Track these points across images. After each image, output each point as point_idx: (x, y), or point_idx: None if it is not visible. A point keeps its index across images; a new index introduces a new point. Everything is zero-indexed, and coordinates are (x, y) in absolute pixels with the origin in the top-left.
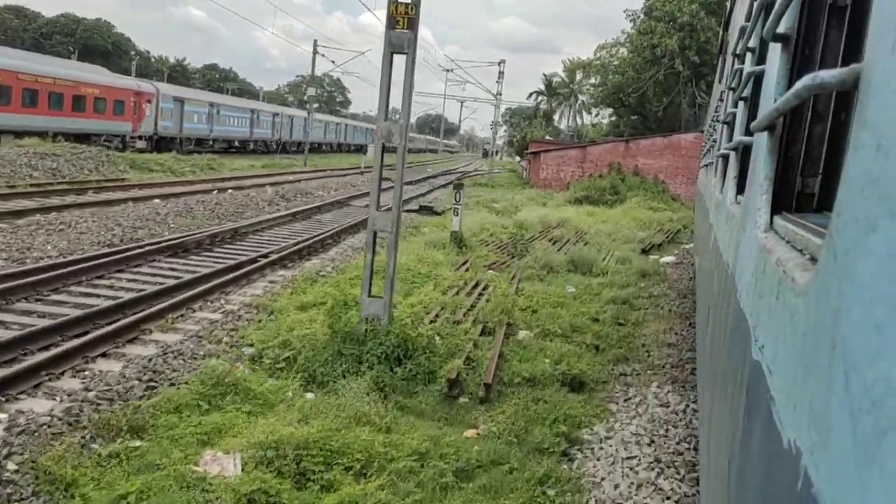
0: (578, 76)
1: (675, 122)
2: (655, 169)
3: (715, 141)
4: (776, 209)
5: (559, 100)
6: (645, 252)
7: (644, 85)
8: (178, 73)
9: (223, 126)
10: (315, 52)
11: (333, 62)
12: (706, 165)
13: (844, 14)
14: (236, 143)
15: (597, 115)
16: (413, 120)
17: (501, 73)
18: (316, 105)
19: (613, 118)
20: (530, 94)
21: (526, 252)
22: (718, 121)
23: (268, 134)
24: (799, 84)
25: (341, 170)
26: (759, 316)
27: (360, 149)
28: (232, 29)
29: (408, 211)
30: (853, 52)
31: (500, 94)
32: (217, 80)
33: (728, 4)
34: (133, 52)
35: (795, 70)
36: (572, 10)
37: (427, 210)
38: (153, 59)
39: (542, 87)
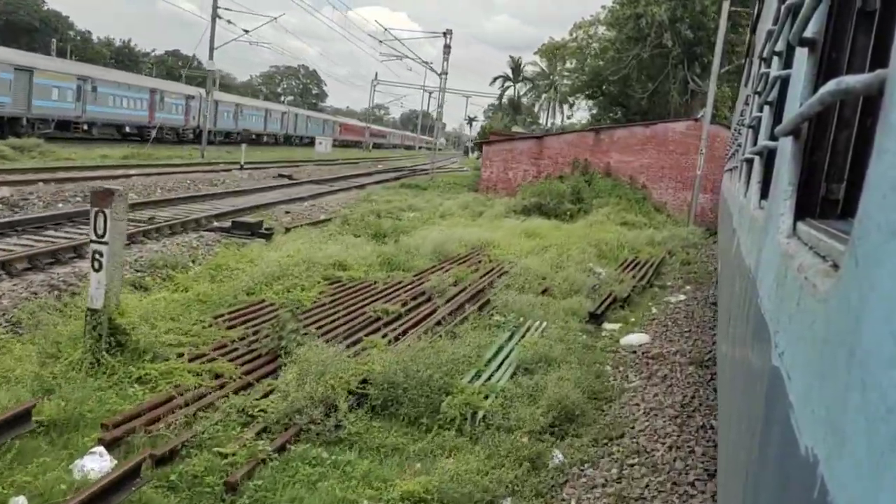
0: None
1: (662, 114)
2: (634, 168)
3: (740, 145)
4: (800, 215)
5: (537, 92)
6: (595, 318)
7: (626, 66)
8: (123, 57)
9: (103, 107)
10: (215, 16)
11: (246, 31)
12: (730, 170)
13: (873, 19)
14: (127, 129)
15: (573, 106)
16: (396, 116)
17: (448, 48)
18: (290, 97)
19: (594, 111)
20: (494, 80)
21: (292, 351)
22: (744, 124)
23: (179, 120)
24: (824, 89)
25: (231, 163)
26: (780, 322)
27: (313, 142)
28: (222, 23)
29: (214, 230)
30: (881, 57)
31: (447, 74)
32: (179, 66)
33: (755, 7)
34: (72, 33)
35: (821, 75)
36: (568, 10)
37: (244, 228)
38: (96, 41)
39: (509, 72)
